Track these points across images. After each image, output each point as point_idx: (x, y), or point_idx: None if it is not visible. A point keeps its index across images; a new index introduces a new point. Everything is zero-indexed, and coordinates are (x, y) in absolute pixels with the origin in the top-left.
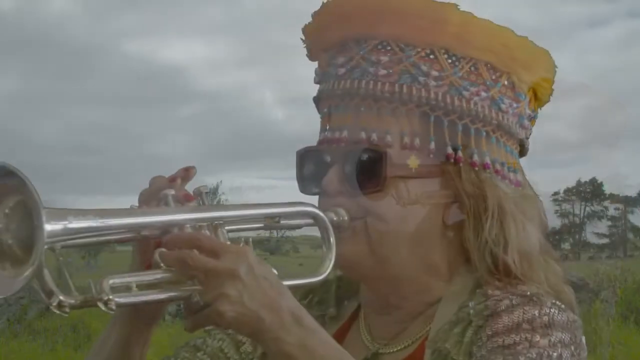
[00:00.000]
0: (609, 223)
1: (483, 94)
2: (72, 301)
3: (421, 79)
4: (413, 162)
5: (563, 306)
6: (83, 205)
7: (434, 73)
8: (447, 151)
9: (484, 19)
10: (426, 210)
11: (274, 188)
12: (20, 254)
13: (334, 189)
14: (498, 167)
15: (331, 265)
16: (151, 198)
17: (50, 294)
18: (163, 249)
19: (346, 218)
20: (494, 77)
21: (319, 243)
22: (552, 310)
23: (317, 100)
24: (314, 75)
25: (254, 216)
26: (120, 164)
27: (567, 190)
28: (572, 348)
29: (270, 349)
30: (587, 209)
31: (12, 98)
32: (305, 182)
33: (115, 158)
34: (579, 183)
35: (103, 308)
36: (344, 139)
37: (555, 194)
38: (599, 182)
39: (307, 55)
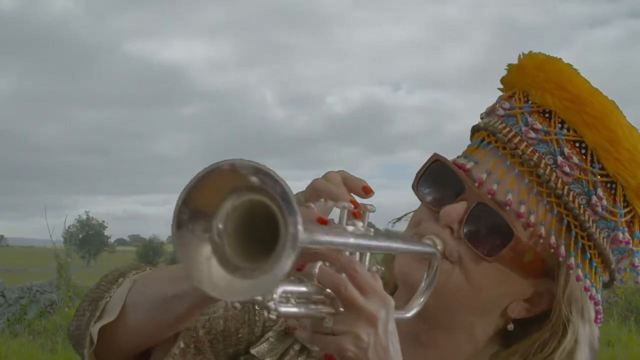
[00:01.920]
0: None
1: (624, 256)
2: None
3: (593, 198)
4: (529, 256)
5: None
6: (83, 205)
7: (604, 203)
8: (569, 261)
9: None
10: (501, 296)
11: None
12: (235, 258)
13: (450, 222)
14: (597, 298)
15: (423, 303)
16: (326, 195)
17: None
18: (324, 266)
19: (439, 249)
20: None
21: None
22: None
23: (483, 128)
24: (484, 112)
25: (397, 250)
26: (121, 164)
27: None
28: None
29: None
30: None
31: (12, 98)
32: (425, 185)
33: (116, 158)
34: None
35: (265, 314)
36: (491, 191)
37: None
38: None
39: (501, 78)
